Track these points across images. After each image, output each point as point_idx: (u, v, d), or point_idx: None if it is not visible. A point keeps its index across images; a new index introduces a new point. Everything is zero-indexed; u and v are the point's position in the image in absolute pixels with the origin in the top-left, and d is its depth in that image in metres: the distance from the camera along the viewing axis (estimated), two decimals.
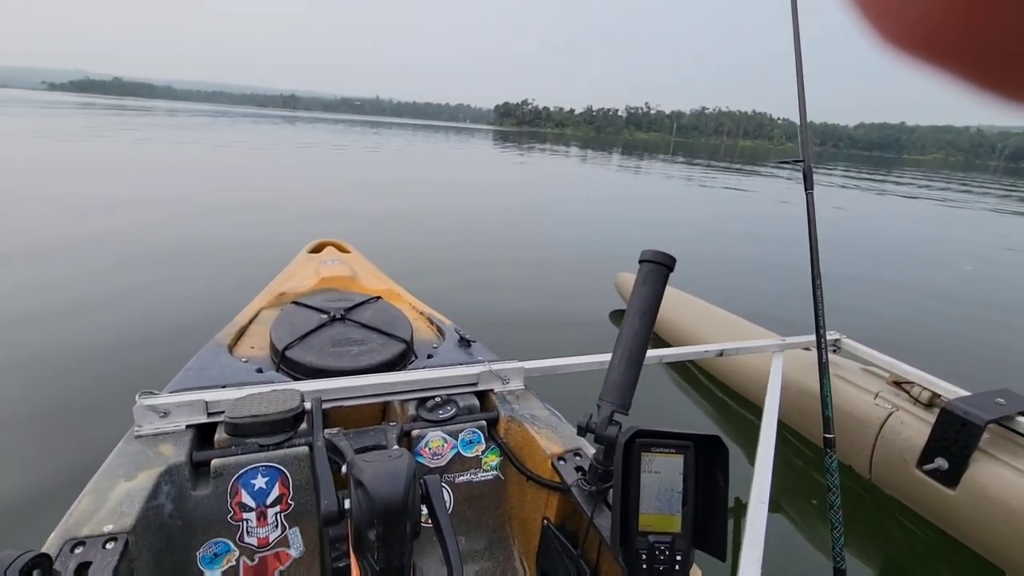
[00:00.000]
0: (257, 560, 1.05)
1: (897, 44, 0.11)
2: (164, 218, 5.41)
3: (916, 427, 1.76)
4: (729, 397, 2.66)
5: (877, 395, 1.92)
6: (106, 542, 0.81)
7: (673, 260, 0.97)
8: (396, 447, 0.70)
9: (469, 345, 1.56)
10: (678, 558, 0.75)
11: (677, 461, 0.77)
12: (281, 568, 1.07)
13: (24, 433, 1.96)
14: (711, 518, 0.76)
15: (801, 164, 1.74)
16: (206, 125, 27.39)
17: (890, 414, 1.84)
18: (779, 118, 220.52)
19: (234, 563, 1.03)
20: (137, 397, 1.10)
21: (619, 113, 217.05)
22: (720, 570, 1.42)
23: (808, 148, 1.72)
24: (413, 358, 1.48)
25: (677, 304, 3.17)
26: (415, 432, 1.18)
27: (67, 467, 1.73)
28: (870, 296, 4.62)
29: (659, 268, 0.97)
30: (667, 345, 3.04)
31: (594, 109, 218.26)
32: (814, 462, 2.10)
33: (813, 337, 1.75)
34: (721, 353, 1.87)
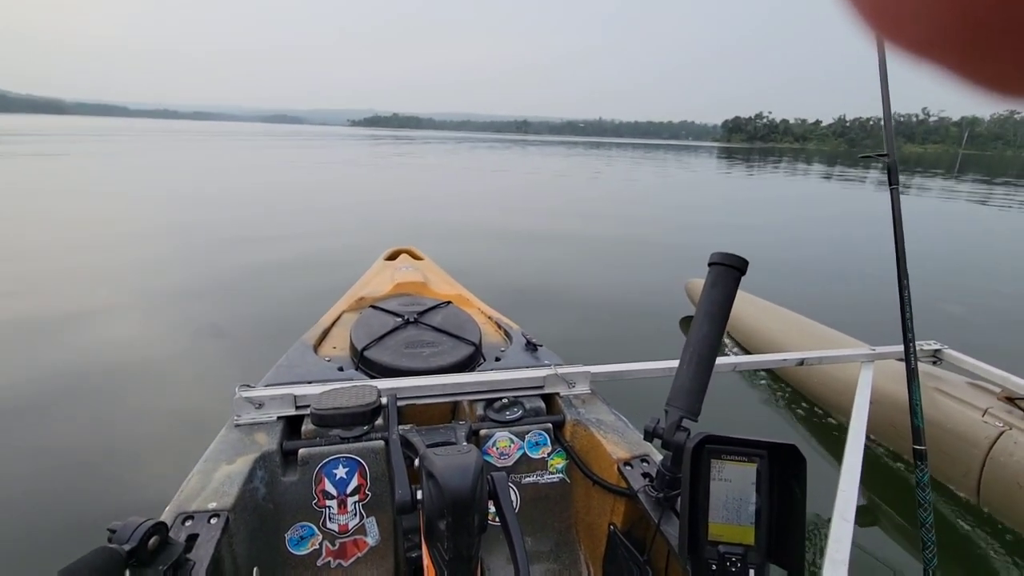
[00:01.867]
0: (338, 545, 1.12)
1: (891, 39, 0.11)
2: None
3: None
4: (810, 409, 2.53)
5: (986, 412, 1.83)
6: (210, 517, 0.89)
7: (745, 263, 0.95)
8: (465, 444, 0.73)
9: (536, 349, 1.60)
10: (751, 571, 0.72)
11: (749, 470, 0.74)
12: (359, 555, 1.13)
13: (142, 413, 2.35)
14: (787, 532, 0.72)
15: (886, 158, 1.67)
16: (450, 151, 32.14)
17: (1001, 433, 1.76)
18: None
19: (318, 547, 1.10)
20: (236, 390, 1.19)
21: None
22: None
23: (893, 141, 1.67)
24: (481, 360, 1.54)
25: (756, 310, 3.08)
26: (483, 432, 1.22)
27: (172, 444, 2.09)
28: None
29: (729, 271, 0.95)
30: (745, 351, 3.08)
31: (847, 119, 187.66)
32: (907, 479, 1.99)
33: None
34: (802, 362, 1.78)
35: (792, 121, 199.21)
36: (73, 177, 11.59)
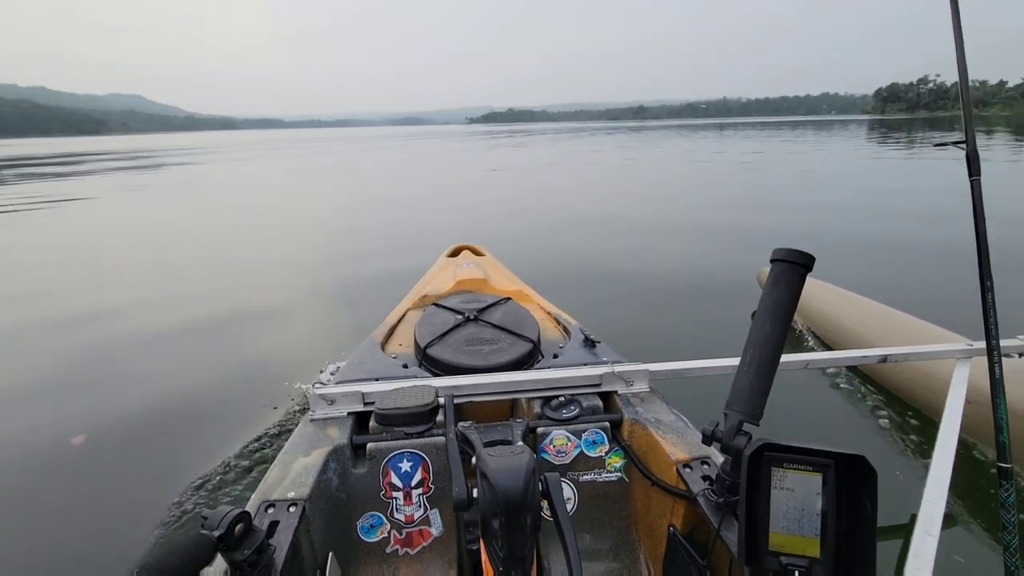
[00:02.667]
0: (405, 535, 1.17)
1: None
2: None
3: None
4: (894, 408, 2.34)
5: None
6: (289, 506, 0.94)
7: (811, 259, 0.91)
8: (520, 444, 0.73)
9: (594, 345, 1.59)
10: None
11: (814, 480, 0.71)
12: (424, 544, 1.17)
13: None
14: (857, 547, 0.69)
15: (963, 146, 1.49)
16: (567, 140, 32.06)
17: None
18: None
19: (386, 535, 1.16)
20: (311, 388, 1.26)
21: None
22: None
23: (972, 125, 1.48)
24: (540, 357, 1.55)
25: (835, 299, 2.88)
26: (540, 429, 1.22)
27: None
28: None
29: (794, 268, 0.91)
30: (824, 344, 2.92)
31: None
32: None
33: (1011, 342, 1.52)
34: (885, 359, 1.61)
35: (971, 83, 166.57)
36: (241, 184, 13.87)
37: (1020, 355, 1.81)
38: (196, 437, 2.35)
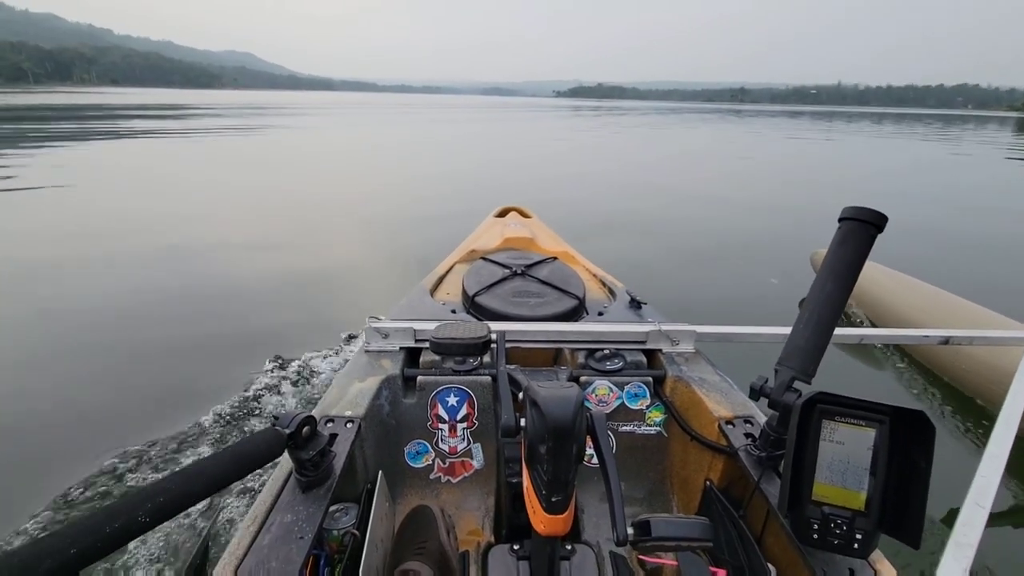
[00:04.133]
0: (448, 464, 1.24)
1: None
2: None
3: None
4: (951, 394, 2.32)
5: None
6: (347, 422, 1.03)
7: (883, 219, 0.85)
8: (567, 381, 0.77)
9: (640, 307, 1.60)
10: (858, 536, 0.69)
11: (867, 435, 0.69)
12: (465, 475, 1.24)
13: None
14: (905, 502, 0.68)
15: None
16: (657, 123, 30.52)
17: None
18: None
19: (430, 463, 1.23)
20: (367, 320, 1.35)
21: None
22: (913, 566, 1.37)
23: None
24: (584, 314, 1.57)
25: (893, 283, 2.83)
26: (583, 378, 1.25)
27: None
28: None
29: (863, 227, 0.85)
30: (874, 327, 2.74)
31: None
32: None
33: None
34: (947, 341, 1.52)
35: None
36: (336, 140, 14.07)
37: None
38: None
